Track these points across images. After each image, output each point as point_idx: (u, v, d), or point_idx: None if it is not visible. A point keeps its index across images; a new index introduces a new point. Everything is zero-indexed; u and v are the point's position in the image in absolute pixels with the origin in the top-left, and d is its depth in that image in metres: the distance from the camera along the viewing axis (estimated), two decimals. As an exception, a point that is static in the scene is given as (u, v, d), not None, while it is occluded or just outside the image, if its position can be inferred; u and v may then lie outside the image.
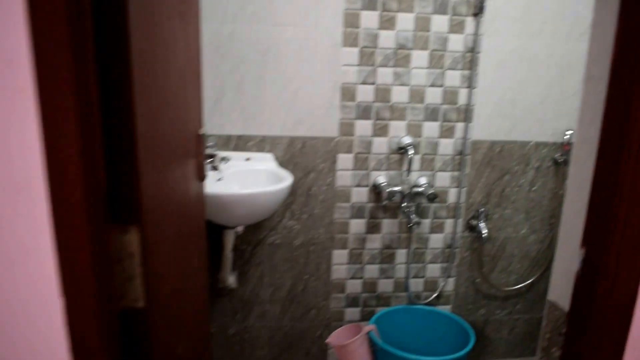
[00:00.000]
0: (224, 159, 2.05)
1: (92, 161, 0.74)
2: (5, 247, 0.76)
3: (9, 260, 0.76)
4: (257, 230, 2.28)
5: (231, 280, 2.23)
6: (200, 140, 1.44)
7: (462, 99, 2.26)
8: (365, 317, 2.46)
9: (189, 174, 1.33)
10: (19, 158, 0.72)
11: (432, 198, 2.22)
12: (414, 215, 2.25)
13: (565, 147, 2.35)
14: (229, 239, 2.11)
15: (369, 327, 2.15)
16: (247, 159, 2.14)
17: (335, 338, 2.20)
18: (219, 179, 2.02)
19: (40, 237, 0.75)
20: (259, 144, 2.18)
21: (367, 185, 2.29)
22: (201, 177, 1.48)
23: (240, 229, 2.12)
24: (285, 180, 2.00)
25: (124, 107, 0.81)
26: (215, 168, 1.92)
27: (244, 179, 2.08)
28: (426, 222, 2.37)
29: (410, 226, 2.26)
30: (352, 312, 2.45)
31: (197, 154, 1.43)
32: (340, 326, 2.40)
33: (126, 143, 0.82)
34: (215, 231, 2.09)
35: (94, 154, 0.75)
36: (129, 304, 0.88)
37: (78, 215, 0.74)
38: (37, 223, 0.75)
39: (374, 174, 2.28)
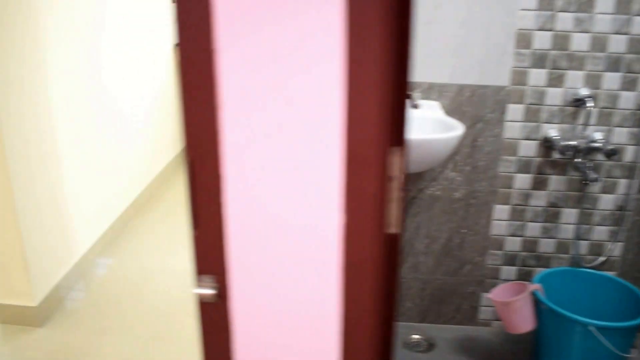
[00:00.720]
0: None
1: (387, 83, 0.72)
2: (301, 158, 0.76)
3: (307, 172, 0.76)
4: (418, 180, 2.24)
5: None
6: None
7: (649, 48, 2.07)
8: (522, 276, 2.37)
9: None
10: (325, 77, 0.71)
11: (611, 154, 2.07)
12: (591, 172, 2.11)
13: None
14: (394, 187, 2.08)
15: (535, 285, 2.06)
16: (414, 107, 2.09)
17: (496, 294, 2.14)
18: (388, 126, 1.98)
19: (332, 154, 0.75)
20: (426, 91, 2.12)
21: (536, 139, 2.17)
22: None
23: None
24: (456, 129, 1.93)
25: (405, 41, 0.78)
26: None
27: (411, 127, 2.03)
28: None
29: (586, 183, 2.13)
30: (508, 271, 2.37)
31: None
32: (495, 284, 2.33)
33: (404, 74, 0.79)
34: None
35: (388, 77, 0.72)
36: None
37: (371, 133, 0.72)
38: (330, 137, 0.74)
39: (545, 126, 2.16)
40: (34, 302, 2.42)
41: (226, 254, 0.81)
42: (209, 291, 0.83)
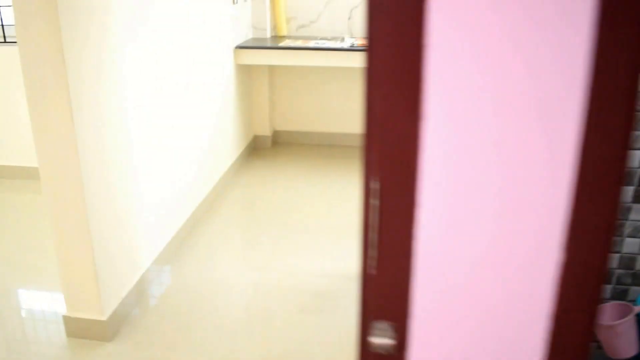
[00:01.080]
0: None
1: (632, 94, 0.57)
2: (519, 183, 0.61)
3: (524, 200, 0.62)
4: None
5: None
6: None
7: None
8: (617, 295, 2.19)
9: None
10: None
11: None
12: None
13: None
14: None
15: (641, 308, 1.89)
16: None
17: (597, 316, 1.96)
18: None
19: (560, 177, 0.60)
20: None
21: (640, 148, 2.00)
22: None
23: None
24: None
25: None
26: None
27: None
28: None
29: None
30: (602, 289, 2.18)
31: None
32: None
33: None
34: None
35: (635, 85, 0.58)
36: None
37: (613, 151, 0.57)
38: (561, 157, 0.59)
39: (651, 134, 1.98)
40: (103, 316, 2.31)
41: (411, 298, 0.67)
42: (385, 340, 0.68)
